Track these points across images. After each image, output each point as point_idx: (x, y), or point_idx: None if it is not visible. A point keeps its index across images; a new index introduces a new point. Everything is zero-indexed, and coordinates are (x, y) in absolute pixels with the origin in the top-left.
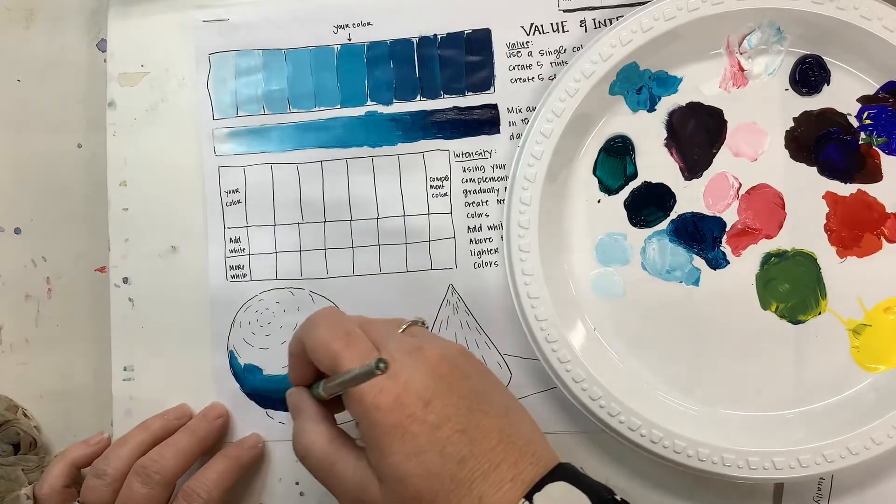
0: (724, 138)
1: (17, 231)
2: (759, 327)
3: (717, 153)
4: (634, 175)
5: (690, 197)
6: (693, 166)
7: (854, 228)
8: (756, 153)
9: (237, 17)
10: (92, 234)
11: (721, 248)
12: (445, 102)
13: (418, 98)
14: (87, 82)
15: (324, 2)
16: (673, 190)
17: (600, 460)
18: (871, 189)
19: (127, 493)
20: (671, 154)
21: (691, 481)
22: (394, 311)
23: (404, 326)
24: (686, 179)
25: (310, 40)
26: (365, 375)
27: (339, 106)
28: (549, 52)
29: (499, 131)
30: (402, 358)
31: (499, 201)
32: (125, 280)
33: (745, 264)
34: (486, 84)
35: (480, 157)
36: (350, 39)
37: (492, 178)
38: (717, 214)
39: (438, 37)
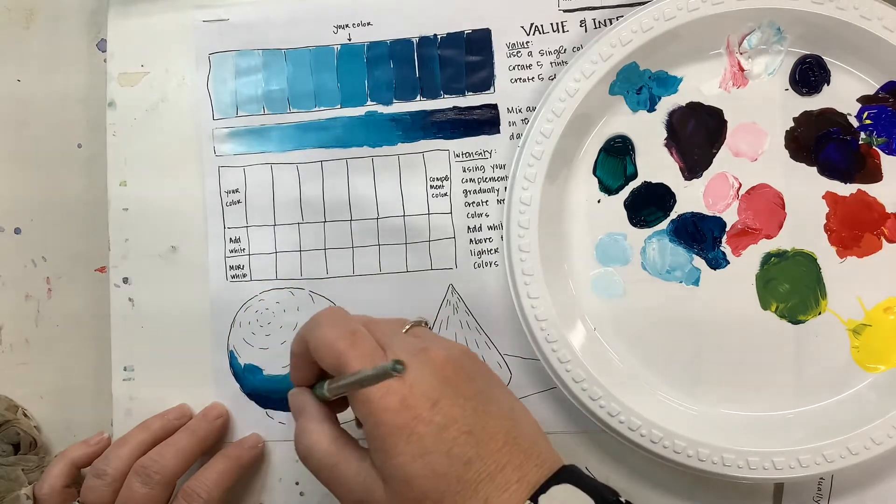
0: (724, 138)
1: (17, 231)
2: (759, 327)
3: (717, 153)
4: (634, 175)
5: (690, 197)
6: (693, 166)
7: (854, 228)
8: (756, 153)
9: (237, 17)
10: (92, 234)
11: (721, 248)
12: (445, 102)
13: (418, 98)
14: (87, 82)
15: (324, 2)
16: (673, 190)
17: (600, 460)
18: (871, 189)
19: (127, 493)
20: (671, 154)
21: (691, 481)
22: (394, 312)
23: (407, 327)
24: (686, 179)
25: (310, 40)
26: (379, 377)
27: (339, 106)
28: (549, 52)
29: (499, 131)
30: (407, 359)
31: (499, 201)
32: (125, 280)
33: (745, 264)
34: (486, 84)
35: (480, 157)
36: (350, 39)
37: (492, 178)
38: (717, 214)
39: (438, 37)
